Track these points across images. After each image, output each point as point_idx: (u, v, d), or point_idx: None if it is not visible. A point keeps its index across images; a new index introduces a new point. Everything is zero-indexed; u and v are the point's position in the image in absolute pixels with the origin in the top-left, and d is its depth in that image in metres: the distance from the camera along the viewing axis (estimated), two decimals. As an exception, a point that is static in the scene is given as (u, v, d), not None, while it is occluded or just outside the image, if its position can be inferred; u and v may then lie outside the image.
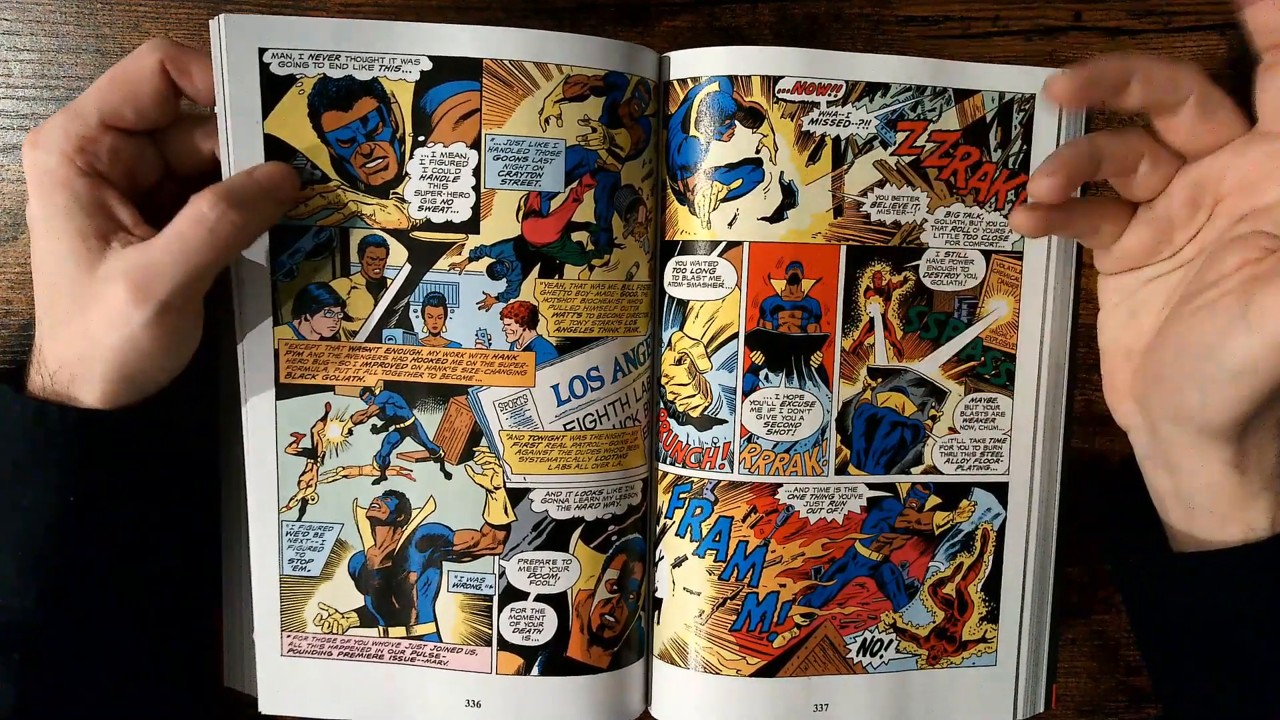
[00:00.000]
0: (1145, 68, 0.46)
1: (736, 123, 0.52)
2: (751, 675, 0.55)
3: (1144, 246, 0.50)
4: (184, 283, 0.45)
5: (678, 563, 0.55)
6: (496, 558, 0.53)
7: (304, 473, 0.53)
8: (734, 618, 0.54)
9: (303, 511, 0.53)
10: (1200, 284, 0.47)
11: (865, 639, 0.55)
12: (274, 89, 0.49)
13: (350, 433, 0.53)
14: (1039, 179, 0.47)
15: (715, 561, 0.54)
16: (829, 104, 0.52)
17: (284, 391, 0.52)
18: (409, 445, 0.53)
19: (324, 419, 0.52)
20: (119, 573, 0.49)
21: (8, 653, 0.47)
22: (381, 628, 0.54)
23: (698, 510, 0.54)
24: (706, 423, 0.54)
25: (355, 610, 0.54)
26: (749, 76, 0.52)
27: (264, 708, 0.54)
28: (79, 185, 0.46)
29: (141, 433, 0.49)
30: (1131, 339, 0.51)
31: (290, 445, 0.53)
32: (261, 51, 0.49)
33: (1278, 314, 0.43)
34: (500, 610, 0.54)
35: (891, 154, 0.53)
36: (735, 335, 0.53)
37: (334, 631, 0.54)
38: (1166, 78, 0.46)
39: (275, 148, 0.50)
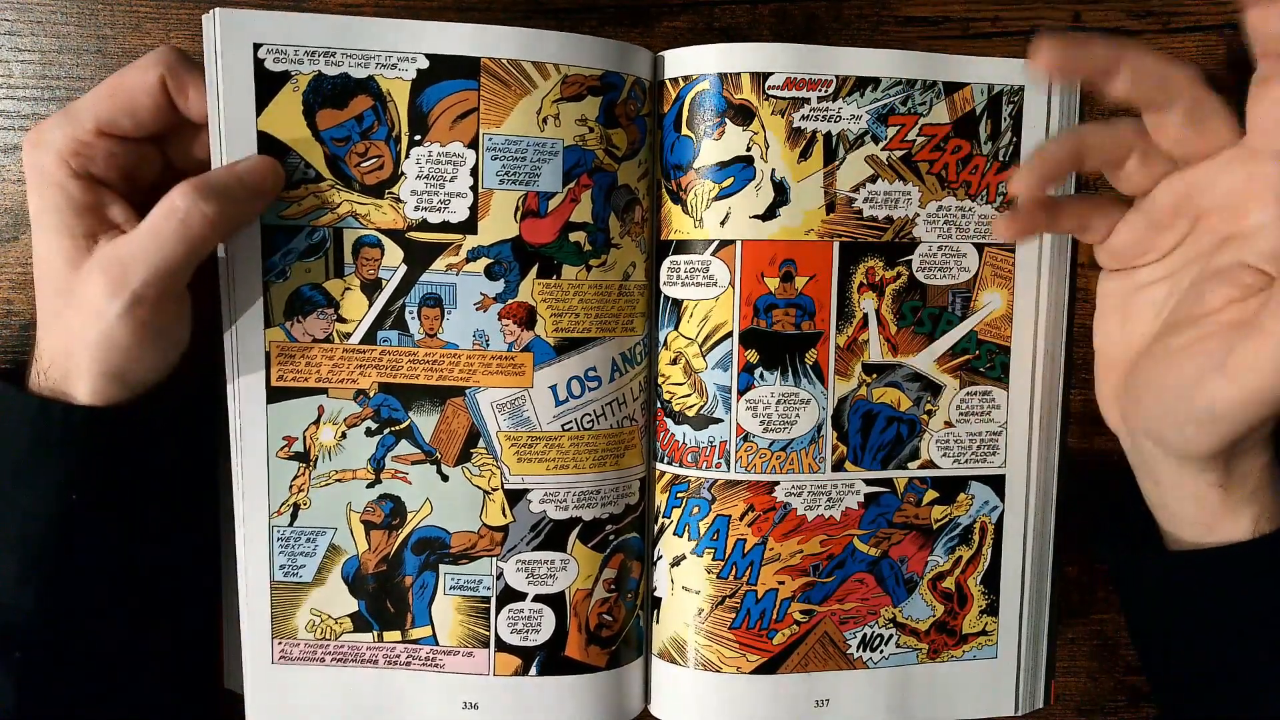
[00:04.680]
0: (1136, 59, 0.45)
1: (727, 120, 0.55)
2: (751, 673, 0.57)
3: (1132, 244, 0.51)
4: (156, 275, 0.47)
5: (676, 562, 0.58)
6: (494, 559, 0.56)
7: (296, 477, 0.55)
8: (733, 615, 0.57)
9: (294, 517, 0.55)
10: (1183, 317, 0.48)
11: (865, 634, 0.58)
12: (268, 86, 0.51)
13: (344, 436, 0.55)
14: (1020, 177, 0.49)
15: (714, 560, 0.57)
16: (819, 100, 0.55)
17: (275, 395, 0.54)
18: (404, 448, 0.55)
19: (317, 422, 0.55)
20: (119, 572, 0.51)
21: (7, 652, 0.49)
22: (376, 632, 0.56)
23: (695, 509, 0.57)
24: (702, 422, 0.57)
25: (349, 615, 0.56)
26: (738, 74, 0.55)
27: (251, 716, 0.56)
28: (72, 187, 0.48)
29: (143, 432, 0.51)
30: (1120, 349, 0.53)
31: (281, 449, 0.55)
32: (256, 47, 0.51)
33: (1257, 367, 0.44)
34: (498, 611, 0.56)
35: (883, 149, 0.56)
36: (729, 334, 0.56)
37: (326, 637, 0.56)
38: (1158, 75, 0.46)
39: (268, 145, 0.52)
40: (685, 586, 0.58)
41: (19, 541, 0.50)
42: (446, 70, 0.52)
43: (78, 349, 0.49)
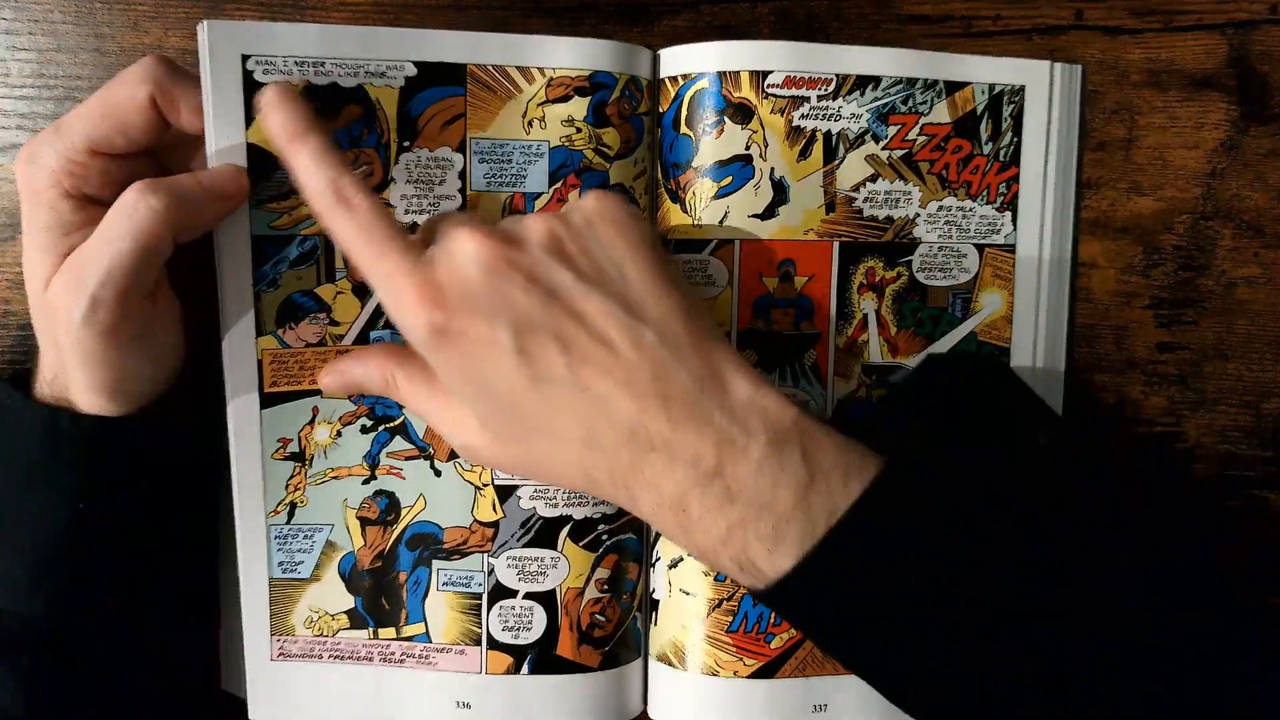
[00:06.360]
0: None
1: (726, 119, 0.55)
2: (749, 676, 0.58)
3: None
4: (109, 274, 0.47)
5: (674, 564, 0.58)
6: (485, 555, 0.57)
7: (292, 477, 0.56)
8: (731, 619, 0.58)
9: (291, 515, 0.56)
10: None
11: (861, 639, 0.59)
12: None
13: (339, 434, 0.56)
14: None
15: (709, 562, 0.58)
16: (819, 98, 0.55)
17: (269, 400, 0.55)
18: (399, 444, 0.56)
19: (311, 423, 0.56)
20: (125, 577, 0.52)
21: (17, 657, 0.50)
22: (371, 629, 0.57)
23: (691, 511, 0.58)
24: (699, 422, 0.57)
25: (345, 612, 0.57)
26: (738, 72, 0.55)
27: (254, 714, 0.57)
28: (63, 207, 0.49)
29: (151, 441, 0.52)
30: None
31: (277, 451, 0.56)
32: (245, 59, 0.51)
33: None
34: (489, 608, 0.57)
35: (883, 148, 0.56)
36: (727, 334, 0.56)
37: (324, 634, 0.57)
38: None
39: (258, 158, 0.52)
40: (683, 589, 0.58)
41: (29, 548, 0.51)
42: (434, 77, 0.53)
43: (65, 364, 0.49)
